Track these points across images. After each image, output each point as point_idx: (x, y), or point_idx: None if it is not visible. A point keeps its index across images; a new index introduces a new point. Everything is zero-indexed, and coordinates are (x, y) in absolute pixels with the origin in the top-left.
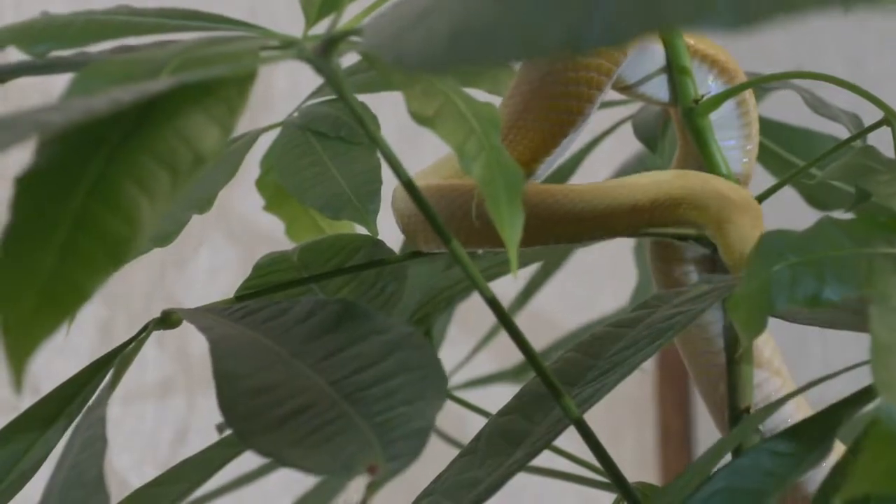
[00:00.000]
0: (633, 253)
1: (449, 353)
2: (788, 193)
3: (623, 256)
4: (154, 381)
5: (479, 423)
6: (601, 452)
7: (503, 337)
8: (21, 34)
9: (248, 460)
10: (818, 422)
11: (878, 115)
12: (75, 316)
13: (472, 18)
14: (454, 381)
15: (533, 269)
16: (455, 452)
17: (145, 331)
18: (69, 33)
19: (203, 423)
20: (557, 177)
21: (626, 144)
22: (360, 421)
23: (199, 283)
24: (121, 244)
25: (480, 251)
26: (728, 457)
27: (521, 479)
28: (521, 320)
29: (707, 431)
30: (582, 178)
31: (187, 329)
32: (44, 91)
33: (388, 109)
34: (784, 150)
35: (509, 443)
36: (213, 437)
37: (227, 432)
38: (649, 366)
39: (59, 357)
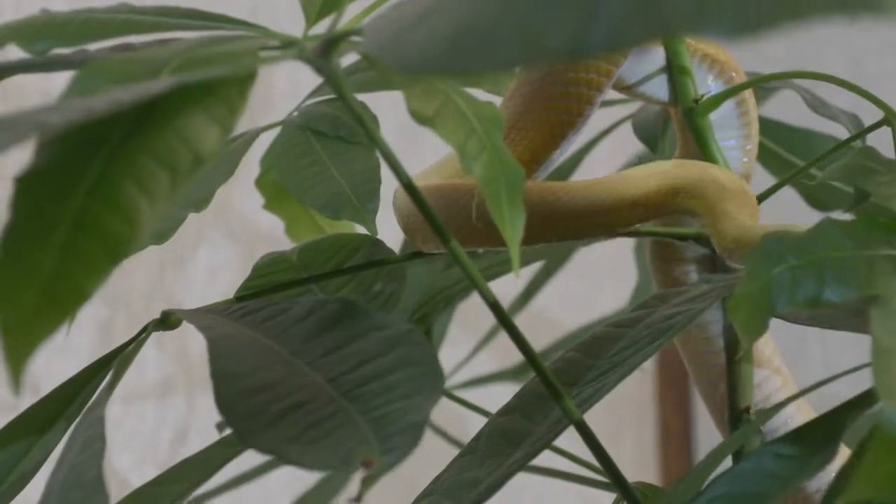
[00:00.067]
0: (633, 253)
1: (449, 353)
2: (788, 193)
3: (623, 256)
4: (154, 381)
5: (479, 422)
6: (601, 453)
7: (503, 336)
8: (21, 32)
9: (249, 459)
10: (821, 425)
11: (879, 115)
12: (75, 316)
13: (474, 20)
14: (454, 380)
15: (533, 268)
16: (455, 452)
17: (145, 332)
18: (69, 31)
19: (203, 423)
20: (557, 176)
21: (625, 144)
22: (357, 416)
23: (199, 282)
24: (121, 244)
25: (481, 250)
26: (729, 459)
27: (521, 478)
28: (522, 320)
29: (707, 431)
30: (581, 178)
31: (187, 329)
32: (44, 90)
33: (388, 109)
34: (784, 150)
35: (509, 443)
36: (213, 436)
37: (227, 432)
38: (649, 366)
39: (59, 357)
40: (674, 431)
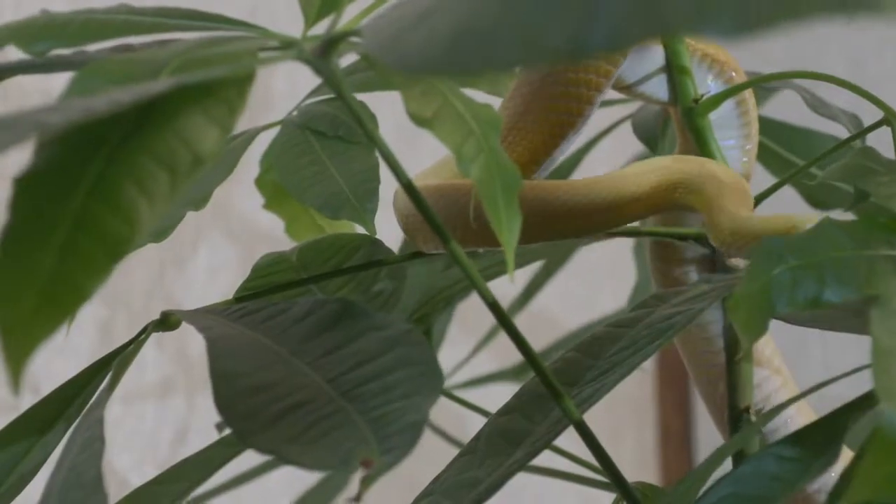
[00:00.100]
0: (632, 253)
1: (449, 353)
2: (788, 193)
3: (623, 256)
4: (154, 381)
5: (479, 422)
6: (600, 453)
7: (503, 336)
8: (20, 32)
9: (249, 459)
10: (823, 427)
11: (878, 115)
12: (75, 316)
13: (474, 20)
14: (454, 380)
15: (533, 268)
16: (455, 452)
17: (144, 332)
18: (69, 32)
19: (203, 423)
20: (556, 176)
21: (625, 144)
22: (356, 416)
23: (199, 282)
24: (120, 244)
25: (481, 250)
26: (729, 461)
27: (521, 478)
28: (521, 320)
29: (707, 431)
30: (581, 178)
31: (186, 329)
32: (45, 91)
33: (387, 109)
34: (784, 150)
35: (509, 442)
36: (213, 436)
37: (227, 432)
38: (649, 366)
39: (59, 357)
40: (674, 431)
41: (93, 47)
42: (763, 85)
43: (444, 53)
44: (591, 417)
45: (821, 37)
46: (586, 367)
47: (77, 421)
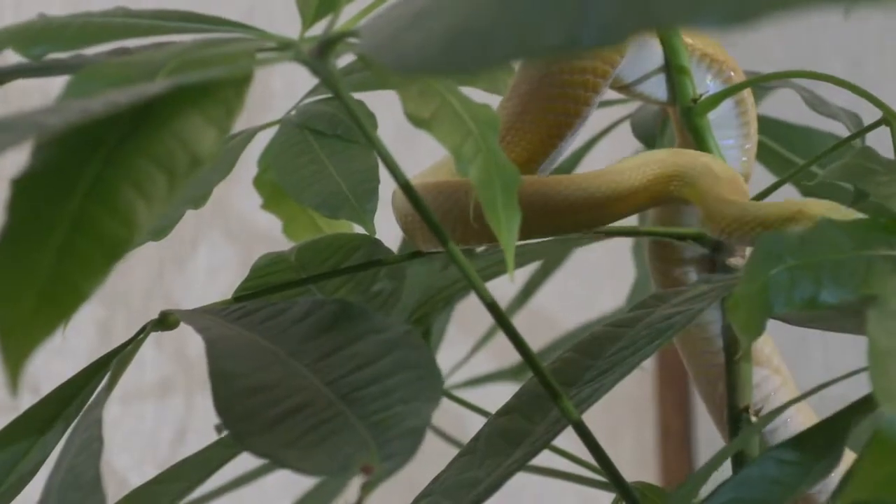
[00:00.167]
0: (631, 252)
1: (448, 353)
2: (788, 192)
3: (622, 256)
4: (153, 381)
5: (479, 422)
6: (599, 453)
7: (502, 336)
8: (18, 36)
9: (247, 460)
10: (824, 429)
11: (878, 115)
12: (73, 316)
13: (470, 19)
14: (453, 380)
15: (532, 268)
16: (454, 452)
17: (143, 332)
18: (66, 35)
19: (202, 423)
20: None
21: (624, 144)
22: (355, 421)
23: (198, 282)
24: (118, 246)
25: (480, 249)
26: (728, 462)
27: (520, 478)
28: (520, 319)
29: (707, 431)
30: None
31: (185, 329)
32: (45, 93)
33: (385, 108)
34: (784, 149)
35: (508, 443)
36: (212, 437)
37: (226, 432)
38: (649, 365)
39: (58, 357)
40: (674, 431)
41: (90, 51)
42: (762, 84)
43: (440, 53)
44: (591, 417)
45: (820, 37)
46: (585, 367)
47: (76, 421)
